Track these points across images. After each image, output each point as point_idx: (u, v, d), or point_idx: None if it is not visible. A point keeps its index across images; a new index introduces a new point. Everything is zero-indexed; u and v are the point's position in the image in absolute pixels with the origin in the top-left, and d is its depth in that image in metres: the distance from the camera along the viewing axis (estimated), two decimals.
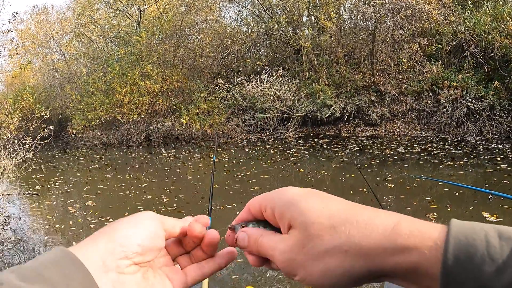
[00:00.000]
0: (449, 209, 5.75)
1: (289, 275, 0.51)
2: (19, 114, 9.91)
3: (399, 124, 13.76)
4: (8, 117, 9.40)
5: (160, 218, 0.58)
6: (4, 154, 8.69)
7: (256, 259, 0.57)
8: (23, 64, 12.55)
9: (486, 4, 13.13)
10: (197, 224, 0.59)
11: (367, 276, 0.46)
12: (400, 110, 13.77)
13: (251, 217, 0.59)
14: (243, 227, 0.59)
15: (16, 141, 9.02)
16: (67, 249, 0.49)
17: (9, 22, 10.66)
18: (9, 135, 8.83)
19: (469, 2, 13.60)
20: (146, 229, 0.55)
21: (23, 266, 0.45)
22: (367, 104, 14.07)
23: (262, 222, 0.58)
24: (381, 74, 14.61)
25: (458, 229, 0.42)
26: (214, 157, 4.70)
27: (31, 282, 0.43)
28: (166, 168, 10.61)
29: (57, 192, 8.65)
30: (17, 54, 12.87)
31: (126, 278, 0.51)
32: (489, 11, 12.81)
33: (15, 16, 10.94)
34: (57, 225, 6.28)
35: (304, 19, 16.52)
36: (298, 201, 0.51)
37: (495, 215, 5.26)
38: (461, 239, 0.41)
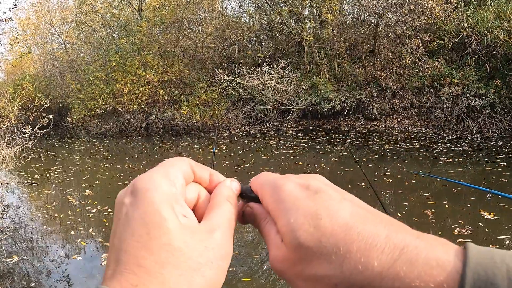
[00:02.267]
0: (446, 206, 5.77)
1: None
2: (19, 103, 9.91)
3: (399, 119, 13.76)
4: (7, 106, 9.39)
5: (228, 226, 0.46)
6: (4, 143, 8.69)
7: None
8: (23, 53, 12.53)
9: (489, 1, 13.08)
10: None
11: None
12: (400, 105, 13.76)
13: None
14: (243, 196, 0.52)
15: (15, 130, 9.03)
16: None
17: (10, 11, 10.62)
18: (8, 124, 8.83)
19: (472, 0, 13.56)
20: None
21: None
22: (368, 99, 14.06)
23: None
24: (382, 69, 14.60)
25: (476, 263, 0.35)
26: (214, 148, 4.70)
27: None
28: (165, 159, 10.54)
29: (56, 181, 8.66)
30: (18, 43, 12.84)
31: None
32: (492, 9, 12.76)
33: (15, 4, 10.89)
34: (56, 214, 6.29)
35: (306, 11, 16.48)
36: (290, 211, 0.44)
37: (492, 213, 5.28)
38: (480, 275, 0.34)
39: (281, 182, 0.47)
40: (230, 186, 0.50)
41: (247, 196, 0.51)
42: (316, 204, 0.43)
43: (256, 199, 0.50)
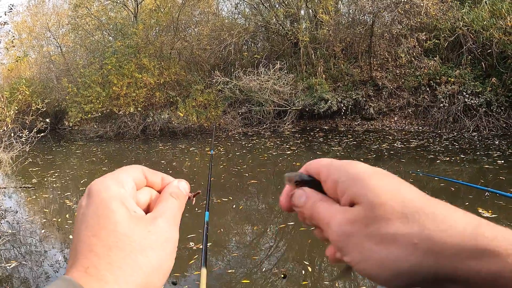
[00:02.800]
0: None
1: (341, 252, 0.45)
2: (15, 107, 9.89)
3: (396, 118, 13.78)
4: (4, 110, 9.38)
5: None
6: (0, 147, 8.67)
7: (303, 218, 0.51)
8: (19, 57, 12.50)
9: (484, 0, 13.12)
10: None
11: (431, 279, 0.40)
12: (397, 104, 13.79)
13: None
14: (298, 182, 0.52)
15: (12, 134, 9.01)
16: (74, 281, 0.41)
17: (5, 15, 10.60)
18: (5, 128, 8.81)
19: None
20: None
21: None
22: (364, 99, 14.08)
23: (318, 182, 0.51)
24: (379, 69, 14.62)
25: None
26: (212, 150, 4.70)
27: None
28: (163, 161, 10.61)
29: (53, 185, 8.64)
30: (13, 46, 12.81)
31: None
32: (488, 7, 12.80)
33: (11, 9, 10.87)
34: (54, 219, 6.28)
35: (302, 12, 16.48)
36: (368, 178, 0.44)
37: (490, 211, 5.29)
38: None
39: (351, 161, 0.49)
40: (177, 185, 0.54)
41: (302, 181, 0.52)
42: (392, 180, 0.45)
43: (310, 184, 0.51)
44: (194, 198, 0.58)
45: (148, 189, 0.54)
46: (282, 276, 4.19)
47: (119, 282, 0.42)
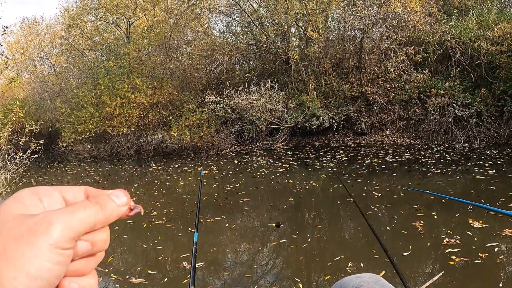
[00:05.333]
0: (435, 217, 5.82)
1: None
2: (9, 129, 9.90)
3: (387, 132, 13.88)
4: None
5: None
6: None
7: None
8: (12, 79, 12.54)
9: (471, 12, 13.36)
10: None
11: None
12: (388, 119, 13.90)
13: None
14: None
15: (6, 156, 9.02)
16: None
17: None
18: None
19: (455, 11, 13.84)
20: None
21: None
22: (356, 114, 14.19)
23: None
24: (369, 84, 14.75)
25: None
26: (202, 172, 4.74)
27: None
28: (156, 181, 10.60)
29: None
30: (7, 68, 12.86)
31: None
32: (475, 19, 13.05)
33: (4, 30, 10.94)
34: None
35: (292, 30, 16.65)
36: None
37: (480, 222, 5.33)
38: None
39: None
40: (108, 193, 0.48)
41: None
42: None
43: None
44: (132, 211, 0.49)
45: None
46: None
47: None
